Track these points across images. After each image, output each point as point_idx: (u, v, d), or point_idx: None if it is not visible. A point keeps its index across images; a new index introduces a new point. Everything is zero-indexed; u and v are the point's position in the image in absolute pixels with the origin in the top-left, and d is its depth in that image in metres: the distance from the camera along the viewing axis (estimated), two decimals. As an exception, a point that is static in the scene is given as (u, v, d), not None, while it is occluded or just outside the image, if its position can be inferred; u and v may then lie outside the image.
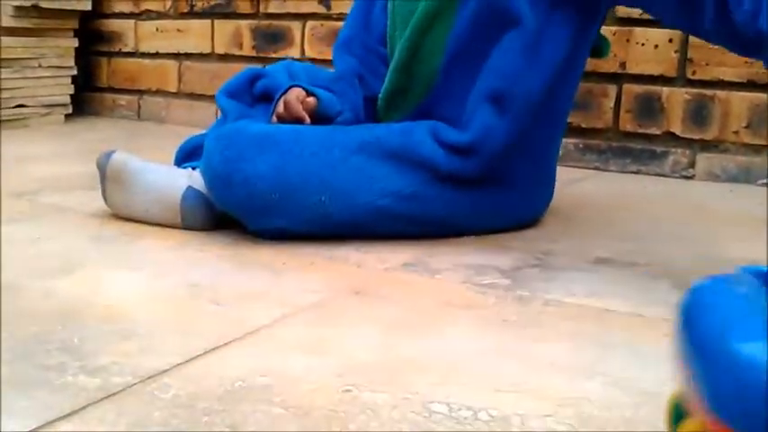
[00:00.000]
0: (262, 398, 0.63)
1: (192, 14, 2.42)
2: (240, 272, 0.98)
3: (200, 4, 2.39)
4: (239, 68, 2.25)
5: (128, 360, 0.70)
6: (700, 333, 0.42)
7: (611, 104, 1.80)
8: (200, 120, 2.32)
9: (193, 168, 1.20)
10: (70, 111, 2.45)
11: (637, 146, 1.79)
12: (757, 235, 1.23)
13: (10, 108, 2.25)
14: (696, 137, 1.73)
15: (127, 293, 0.89)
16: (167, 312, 0.83)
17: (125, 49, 2.57)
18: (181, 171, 1.21)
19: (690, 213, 1.39)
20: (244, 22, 2.31)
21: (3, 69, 2.21)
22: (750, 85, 1.66)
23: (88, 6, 2.43)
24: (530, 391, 0.66)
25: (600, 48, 1.27)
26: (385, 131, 1.15)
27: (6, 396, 0.62)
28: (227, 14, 2.35)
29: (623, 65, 1.78)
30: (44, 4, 2.27)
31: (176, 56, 2.46)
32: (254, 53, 2.29)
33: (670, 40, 1.73)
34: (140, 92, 2.56)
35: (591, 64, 1.78)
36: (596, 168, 1.82)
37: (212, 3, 2.36)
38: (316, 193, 1.08)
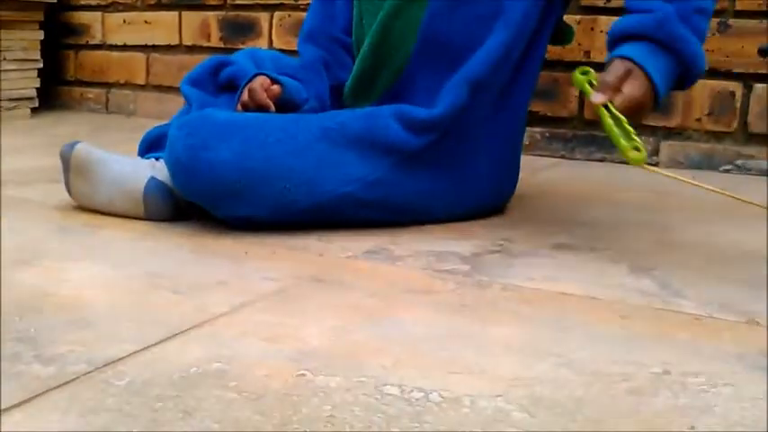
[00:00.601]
0: (216, 383, 0.64)
1: (160, 6, 2.41)
2: (201, 261, 0.98)
3: (167, -4, 2.38)
4: (207, 60, 2.25)
5: (84, 349, 0.70)
6: None
7: (576, 93, 1.82)
8: (169, 112, 2.29)
9: (157, 159, 1.20)
10: (37, 104, 2.43)
11: (602, 134, 1.80)
12: (716, 219, 1.25)
13: (-25, 102, 2.23)
14: (660, 124, 1.75)
15: (86, 284, 0.89)
16: (126, 301, 0.83)
17: (92, 42, 2.55)
18: (144, 162, 1.20)
19: (652, 200, 1.41)
20: (211, 14, 2.30)
21: (-33, 62, 2.19)
22: (711, 73, 1.68)
23: (54, -2, 2.41)
24: (482, 372, 0.67)
25: (563, 35, 1.28)
26: (349, 117, 1.15)
27: (-41, 385, 0.62)
28: (194, 6, 2.34)
29: (588, 53, 1.79)
30: (8, -3, 2.25)
31: (144, 48, 2.45)
32: (221, 44, 2.29)
33: (634, 29, 1.74)
34: (108, 84, 2.54)
35: (556, 53, 1.80)
36: (562, 157, 1.84)
37: (179, -6, 2.35)
38: (280, 180, 1.08)
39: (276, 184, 1.08)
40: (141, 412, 0.59)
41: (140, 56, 2.46)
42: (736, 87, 1.67)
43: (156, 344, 0.72)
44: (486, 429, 0.57)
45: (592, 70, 1.08)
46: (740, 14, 1.66)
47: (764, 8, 1.63)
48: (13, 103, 2.35)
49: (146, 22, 2.43)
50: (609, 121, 1.00)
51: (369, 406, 0.60)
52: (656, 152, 1.75)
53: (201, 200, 1.10)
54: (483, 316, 0.81)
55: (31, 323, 0.76)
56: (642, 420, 0.60)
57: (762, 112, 1.66)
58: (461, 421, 0.59)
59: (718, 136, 1.70)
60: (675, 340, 0.76)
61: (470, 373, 0.67)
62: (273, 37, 2.21)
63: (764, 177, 1.62)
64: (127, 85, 2.50)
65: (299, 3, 2.15)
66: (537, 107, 1.84)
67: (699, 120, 1.71)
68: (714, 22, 1.67)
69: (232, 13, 2.27)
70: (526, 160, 1.69)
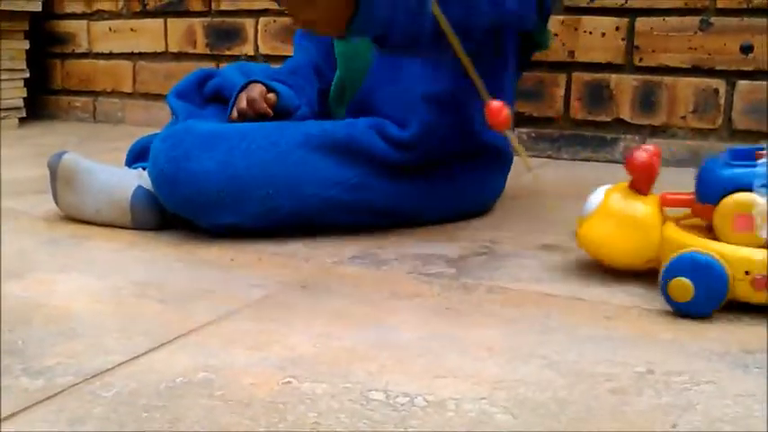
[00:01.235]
0: (202, 392, 0.64)
1: (145, 14, 2.41)
2: (188, 270, 0.99)
3: (152, 3, 2.39)
4: (194, 67, 2.26)
5: (72, 360, 0.71)
6: None
7: (562, 93, 1.83)
8: (156, 119, 2.31)
9: (143, 168, 1.20)
10: (24, 114, 2.43)
11: (588, 133, 1.81)
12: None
13: (-38, 113, 2.23)
14: (645, 122, 1.76)
15: (73, 295, 0.89)
16: (112, 312, 0.84)
17: (78, 50, 2.55)
18: (131, 171, 1.21)
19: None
20: (197, 20, 2.31)
21: (-47, 74, 2.19)
22: (695, 71, 1.69)
23: (38, 7, 2.40)
24: (467, 375, 0.68)
25: (540, 41, 1.28)
26: (331, 125, 1.16)
27: (-54, 400, 0.63)
28: (179, 13, 2.34)
29: (572, 53, 1.80)
30: (-7, 7, 2.25)
31: (130, 56, 2.45)
32: (208, 51, 2.29)
33: (617, 28, 1.76)
34: (95, 93, 2.54)
35: (541, 54, 1.81)
36: (549, 157, 1.84)
37: (165, 1, 2.35)
38: (263, 186, 1.09)
39: (259, 190, 1.09)
40: (128, 421, 0.59)
41: (127, 64, 2.46)
42: (719, 85, 1.68)
43: (142, 354, 0.72)
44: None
45: None
46: (722, 12, 1.67)
47: (745, 5, 1.65)
48: (1, 114, 2.35)
49: (131, 29, 2.43)
50: None
51: (354, 412, 0.61)
52: (641, 150, 1.76)
53: (186, 211, 1.11)
54: (467, 319, 0.82)
55: (19, 335, 0.76)
56: (625, 420, 0.60)
57: (745, 109, 1.67)
58: (446, 425, 0.59)
59: (703, 133, 1.72)
60: (659, 340, 0.76)
61: (455, 377, 0.67)
62: (259, 42, 2.21)
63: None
64: (114, 93, 2.50)
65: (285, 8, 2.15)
66: (523, 108, 1.85)
67: (683, 117, 1.72)
68: (696, 19, 1.68)
69: (218, 20, 2.27)
70: (513, 161, 1.70)
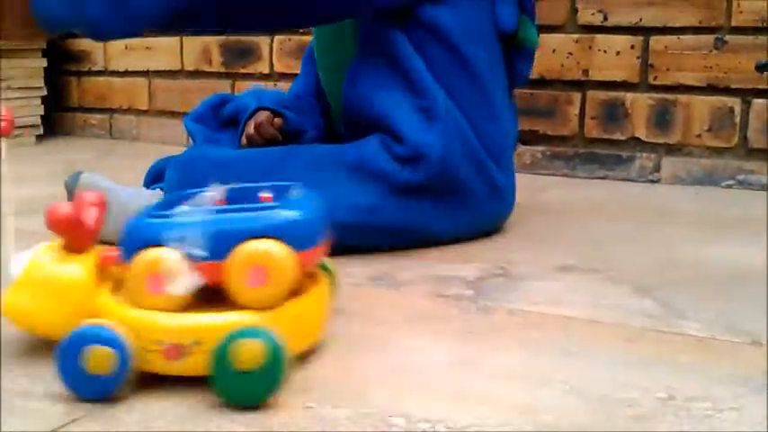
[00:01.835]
0: (223, 416, 0.65)
1: (161, 31, 2.42)
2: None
3: (168, 22, 2.40)
4: (209, 85, 2.28)
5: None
6: None
7: (576, 111, 1.83)
8: (172, 137, 2.33)
9: (162, 189, 1.21)
10: (41, 131, 2.45)
11: (603, 151, 1.81)
12: (716, 236, 1.26)
13: (-21, 131, 2.25)
14: (660, 141, 1.76)
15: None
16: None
17: (94, 68, 2.57)
18: (150, 192, 1.22)
19: (655, 217, 1.42)
20: (212, 39, 2.32)
21: (-29, 92, 2.21)
22: (710, 89, 1.69)
23: (56, 26, 2.43)
24: (488, 401, 0.68)
25: (523, 37, 1.28)
26: (341, 146, 1.19)
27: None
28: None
29: (586, 72, 1.80)
30: (11, 26, 2.27)
31: (146, 73, 2.47)
32: (223, 69, 2.31)
33: (632, 47, 1.76)
34: (111, 110, 2.56)
35: (555, 72, 1.82)
36: (564, 175, 1.84)
37: (180, 20, 2.37)
38: None
39: None
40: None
41: (142, 81, 2.48)
42: (734, 103, 1.68)
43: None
44: (492, 460, 0.58)
45: None
46: (737, 30, 1.67)
47: (760, 24, 1.65)
48: (18, 131, 2.37)
49: (147, 47, 2.45)
50: None
51: (376, 438, 0.61)
52: (657, 169, 1.76)
53: None
54: (487, 343, 0.82)
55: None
56: (647, 447, 0.60)
57: (761, 128, 1.67)
58: (468, 452, 0.59)
59: (718, 151, 1.71)
60: (680, 364, 0.76)
61: (476, 403, 0.67)
62: (274, 61, 2.22)
63: (765, 192, 1.62)
64: (130, 110, 2.52)
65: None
66: (538, 126, 1.85)
67: (699, 136, 1.72)
68: (711, 38, 1.69)
69: (233, 38, 2.28)
70: (528, 179, 1.71)
